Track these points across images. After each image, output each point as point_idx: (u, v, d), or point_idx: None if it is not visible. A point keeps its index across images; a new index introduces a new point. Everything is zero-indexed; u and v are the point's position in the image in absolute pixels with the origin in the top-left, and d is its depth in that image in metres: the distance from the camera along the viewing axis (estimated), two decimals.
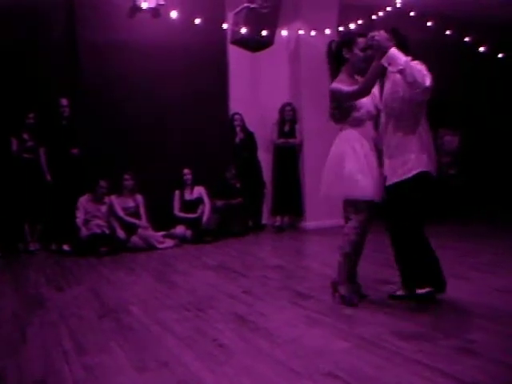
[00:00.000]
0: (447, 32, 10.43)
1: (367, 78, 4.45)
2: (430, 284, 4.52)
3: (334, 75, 4.83)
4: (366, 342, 3.79)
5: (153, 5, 8.83)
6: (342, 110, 4.70)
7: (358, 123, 4.69)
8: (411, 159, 4.41)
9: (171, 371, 3.43)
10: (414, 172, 4.40)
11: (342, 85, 4.62)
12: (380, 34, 4.33)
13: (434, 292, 4.53)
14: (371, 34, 4.45)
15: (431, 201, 4.71)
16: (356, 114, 4.66)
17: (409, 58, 4.22)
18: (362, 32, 4.87)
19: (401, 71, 4.20)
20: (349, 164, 4.60)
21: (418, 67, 4.17)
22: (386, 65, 4.27)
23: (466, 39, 10.66)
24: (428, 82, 4.14)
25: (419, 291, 4.54)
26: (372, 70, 4.40)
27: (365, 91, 4.51)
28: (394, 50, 4.23)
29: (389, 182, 4.52)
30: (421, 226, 4.56)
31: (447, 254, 6.67)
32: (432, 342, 3.72)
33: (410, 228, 4.52)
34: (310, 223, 9.34)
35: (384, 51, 4.24)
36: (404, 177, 4.42)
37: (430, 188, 4.53)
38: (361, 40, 4.65)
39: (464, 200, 9.86)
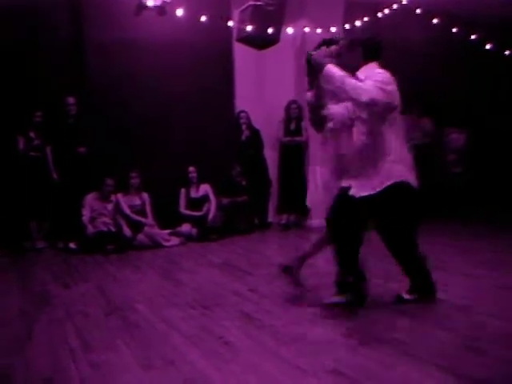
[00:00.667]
0: (453, 30, 10.40)
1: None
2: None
3: (311, 85, 4.76)
4: (371, 339, 3.79)
5: (158, 2, 8.83)
6: (316, 119, 4.72)
7: (332, 135, 4.66)
8: (382, 171, 4.26)
9: (177, 369, 3.43)
10: (388, 184, 4.24)
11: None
12: (318, 53, 4.32)
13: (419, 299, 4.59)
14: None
15: (416, 211, 4.60)
16: (329, 125, 4.64)
17: (344, 74, 4.12)
18: (334, 39, 4.79)
19: (337, 89, 4.16)
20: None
21: (352, 84, 4.06)
22: (322, 84, 4.24)
23: (473, 37, 10.63)
24: (364, 97, 4.02)
25: (407, 297, 4.62)
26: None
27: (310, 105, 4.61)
28: (328, 68, 4.12)
29: (358, 195, 4.33)
30: (407, 240, 4.58)
31: (449, 251, 6.73)
32: (437, 339, 3.72)
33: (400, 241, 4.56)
34: (315, 221, 9.32)
35: (321, 69, 4.17)
36: (374, 191, 4.26)
37: (411, 199, 4.40)
38: (333, 48, 4.61)
39: (469, 198, 9.85)
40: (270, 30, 8.33)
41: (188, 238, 8.47)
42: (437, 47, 10.81)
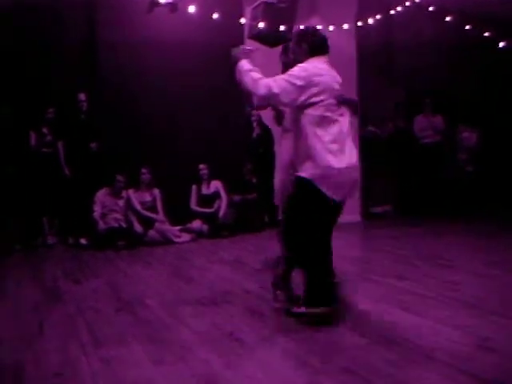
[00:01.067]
0: (466, 27, 10.34)
1: None
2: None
3: None
4: (383, 338, 3.78)
5: None
6: (275, 114, 4.81)
7: (286, 131, 4.69)
8: (295, 165, 4.28)
9: (188, 365, 3.44)
10: (294, 177, 4.22)
11: None
12: (236, 49, 4.36)
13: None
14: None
15: (320, 216, 4.22)
16: (284, 123, 4.73)
17: (250, 68, 4.20)
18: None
19: (242, 82, 4.21)
20: None
21: (253, 78, 4.13)
22: (237, 78, 4.29)
23: (486, 34, 10.56)
24: (261, 91, 4.09)
25: (296, 310, 4.37)
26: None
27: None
28: (240, 63, 4.24)
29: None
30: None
31: (456, 249, 6.75)
32: (449, 338, 3.71)
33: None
34: None
35: (235, 63, 4.27)
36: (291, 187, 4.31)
37: (311, 200, 4.14)
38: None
39: (480, 196, 9.82)
40: (282, 28, 8.32)
41: (199, 235, 8.47)
42: (449, 45, 10.76)
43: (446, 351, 3.47)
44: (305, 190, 4.15)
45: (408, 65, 10.58)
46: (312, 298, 4.23)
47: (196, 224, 8.59)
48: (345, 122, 4.17)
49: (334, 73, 4.26)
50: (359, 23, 9.35)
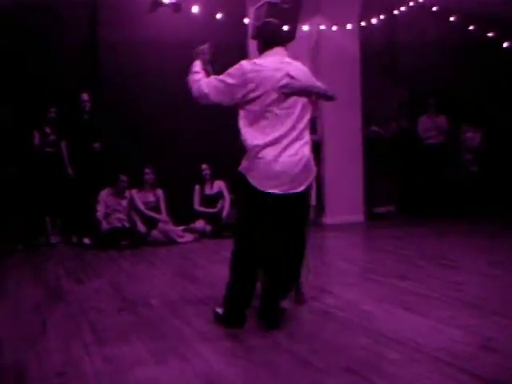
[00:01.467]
0: (470, 27, 10.32)
1: None
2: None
3: None
4: (385, 338, 3.78)
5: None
6: None
7: None
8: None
9: (190, 364, 3.44)
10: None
11: None
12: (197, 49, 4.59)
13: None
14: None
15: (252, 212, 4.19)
16: None
17: (196, 70, 4.42)
18: None
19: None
20: None
21: (191, 79, 4.36)
22: None
23: (489, 35, 10.53)
24: (194, 92, 4.32)
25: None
26: None
27: None
28: (193, 63, 4.49)
29: None
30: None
31: (460, 249, 6.76)
32: (451, 338, 3.71)
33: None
34: (330, 219, 9.30)
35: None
36: None
37: (243, 191, 4.23)
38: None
39: (483, 197, 9.81)
40: (285, 28, 8.30)
41: (202, 235, 8.47)
42: (453, 45, 10.75)
43: (448, 351, 3.46)
44: (240, 181, 4.20)
45: (412, 65, 10.57)
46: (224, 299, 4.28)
47: (199, 224, 8.59)
48: (292, 114, 4.07)
49: (289, 66, 4.17)
50: (363, 23, 9.33)
